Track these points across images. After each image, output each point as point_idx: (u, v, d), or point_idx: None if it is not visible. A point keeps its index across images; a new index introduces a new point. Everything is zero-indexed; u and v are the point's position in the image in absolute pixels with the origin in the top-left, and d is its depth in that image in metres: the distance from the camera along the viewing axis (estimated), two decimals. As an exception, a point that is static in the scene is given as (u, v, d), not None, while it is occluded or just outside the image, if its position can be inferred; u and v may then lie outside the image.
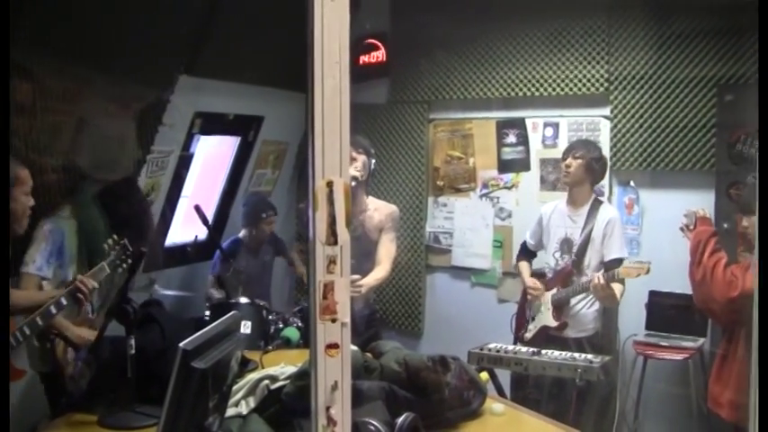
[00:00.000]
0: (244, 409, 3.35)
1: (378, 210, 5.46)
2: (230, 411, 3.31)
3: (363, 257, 5.32)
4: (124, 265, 4.44)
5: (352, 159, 5.19)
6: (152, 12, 5.20)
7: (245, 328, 5.07)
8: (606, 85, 6.41)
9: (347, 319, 2.20)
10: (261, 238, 6.71)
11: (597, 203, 5.68)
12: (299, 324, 5.52)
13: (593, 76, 6.46)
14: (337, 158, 2.16)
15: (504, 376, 5.45)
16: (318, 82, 2.15)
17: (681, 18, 6.00)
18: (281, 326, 5.25)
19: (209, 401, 2.80)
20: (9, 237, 3.87)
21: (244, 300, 5.36)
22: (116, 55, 5.17)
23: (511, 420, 3.59)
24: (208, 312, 5.17)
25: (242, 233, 6.77)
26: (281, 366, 3.58)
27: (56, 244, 4.69)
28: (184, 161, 6.45)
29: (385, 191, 7.32)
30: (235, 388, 3.42)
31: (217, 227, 7.18)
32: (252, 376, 3.46)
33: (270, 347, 4.61)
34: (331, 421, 2.21)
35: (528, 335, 5.80)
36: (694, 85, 6.01)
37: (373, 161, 5.43)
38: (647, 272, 5.21)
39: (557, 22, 6.57)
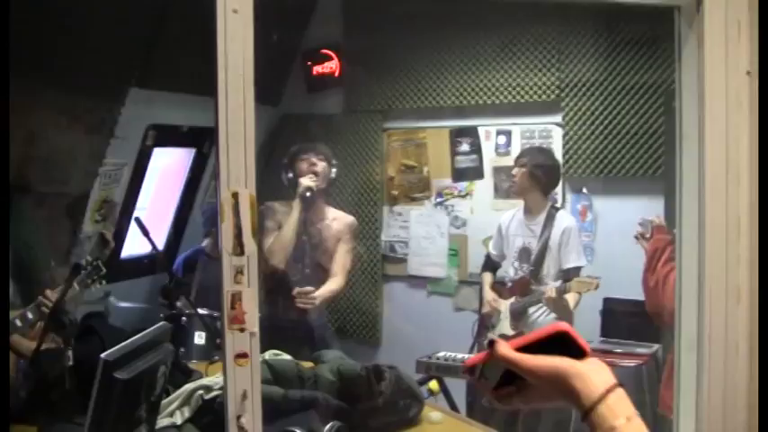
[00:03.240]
0: (178, 419, 3.35)
1: (336, 219, 5.41)
2: (165, 421, 3.32)
3: (318, 267, 5.31)
4: (97, 285, 4.46)
5: (312, 164, 5.19)
6: (102, 25, 5.22)
7: (200, 338, 5.09)
8: (558, 92, 6.45)
9: (255, 329, 2.22)
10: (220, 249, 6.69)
11: (553, 211, 5.68)
12: (256, 335, 5.52)
13: (545, 83, 6.49)
14: (242, 170, 2.18)
15: (462, 385, 5.48)
16: (222, 95, 2.18)
17: (629, 25, 6.03)
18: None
19: (135, 411, 2.81)
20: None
21: (201, 311, 5.37)
22: (66, 68, 5.17)
23: (447, 429, 3.60)
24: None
25: (204, 242, 6.74)
26: (216, 376, 3.59)
27: None
28: (138, 173, 6.45)
29: (341, 201, 7.31)
30: (170, 398, 3.43)
31: (174, 238, 7.19)
32: (187, 386, 3.47)
33: (216, 358, 4.60)
34: (242, 430, 2.22)
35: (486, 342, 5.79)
36: (644, 91, 6.03)
37: (334, 169, 5.40)
38: (597, 287, 5.25)
39: (508, 31, 6.59)
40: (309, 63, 7.47)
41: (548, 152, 5.98)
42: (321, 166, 5.23)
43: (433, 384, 5.12)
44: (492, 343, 1.31)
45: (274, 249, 5.16)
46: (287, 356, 3.83)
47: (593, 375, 1.29)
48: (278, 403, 3.21)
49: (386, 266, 7.44)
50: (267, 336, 5.11)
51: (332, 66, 7.36)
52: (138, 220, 5.43)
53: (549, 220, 5.60)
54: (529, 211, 5.69)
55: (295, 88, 7.64)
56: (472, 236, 6.88)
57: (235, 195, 2.18)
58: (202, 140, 7.05)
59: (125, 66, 5.74)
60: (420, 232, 7.23)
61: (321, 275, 5.30)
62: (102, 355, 2.58)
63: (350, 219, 5.55)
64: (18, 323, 4.15)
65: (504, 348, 1.33)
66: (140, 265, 6.69)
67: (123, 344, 2.75)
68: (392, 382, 3.49)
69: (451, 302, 7.09)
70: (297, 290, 5.02)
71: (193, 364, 4.36)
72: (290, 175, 5.25)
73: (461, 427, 3.68)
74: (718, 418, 2.72)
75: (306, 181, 5.12)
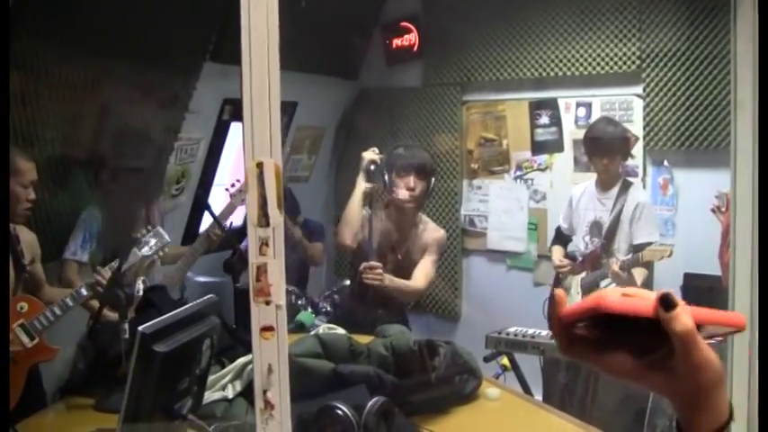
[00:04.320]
0: (230, 392, 3.36)
1: (426, 230, 5.24)
2: (216, 395, 3.33)
3: (401, 270, 5.19)
4: (160, 253, 4.53)
5: (410, 189, 5.00)
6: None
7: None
8: (638, 62, 6.27)
9: (282, 302, 2.17)
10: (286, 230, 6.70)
11: (626, 185, 5.55)
12: (328, 309, 5.51)
13: (625, 53, 6.31)
14: (267, 139, 2.14)
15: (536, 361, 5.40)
16: (246, 62, 2.14)
17: (712, -9, 5.83)
18: (309, 311, 5.24)
19: (177, 384, 2.80)
20: (9, 237, 3.95)
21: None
22: (138, 42, 5.19)
23: (504, 406, 3.54)
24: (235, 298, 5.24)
25: None
26: (269, 351, 3.57)
27: (89, 230, 4.91)
28: (215, 148, 6.46)
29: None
30: (223, 372, 3.44)
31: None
32: (239, 360, 3.46)
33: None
34: (268, 405, 2.18)
35: (559, 318, 5.69)
36: (728, 60, 5.80)
37: (433, 179, 5.23)
38: (670, 254, 5.11)
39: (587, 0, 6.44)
40: (388, 36, 7.41)
41: (620, 125, 5.80)
42: (420, 186, 5.07)
43: (506, 360, 5.06)
44: (668, 300, 1.00)
45: (340, 228, 5.11)
46: (341, 330, 3.81)
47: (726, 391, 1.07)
48: (327, 378, 3.18)
49: (465, 240, 7.36)
50: (349, 305, 5.10)
51: (411, 38, 7.30)
52: (198, 198, 5.47)
53: (622, 193, 5.47)
54: (601, 184, 5.57)
55: (374, 62, 7.60)
56: (552, 210, 6.73)
57: (259, 165, 2.14)
58: (280, 115, 7.01)
59: (198, 40, 5.75)
60: (499, 206, 7.13)
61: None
62: (140, 328, 2.58)
63: (441, 232, 5.33)
64: (84, 291, 4.23)
65: (688, 320, 1.00)
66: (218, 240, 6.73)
67: (164, 317, 2.75)
68: (447, 358, 3.44)
69: (531, 277, 6.99)
70: (363, 265, 4.94)
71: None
72: (386, 183, 5.13)
73: (518, 404, 3.62)
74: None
75: (368, 154, 5.02)
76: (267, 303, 2.17)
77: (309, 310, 5.36)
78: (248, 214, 2.15)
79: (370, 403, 2.83)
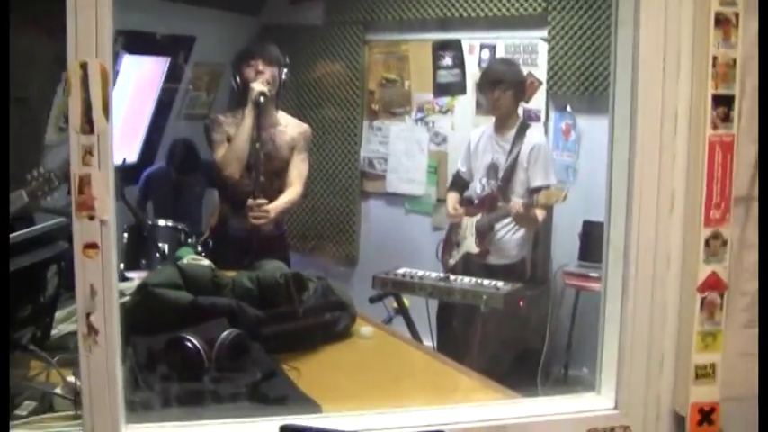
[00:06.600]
0: (86, 325, 3.18)
1: (289, 126, 5.10)
2: (71, 327, 3.15)
3: (274, 174, 5.07)
4: (47, 198, 4.32)
5: (259, 72, 4.88)
6: None
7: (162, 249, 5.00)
8: (544, 5, 6.14)
9: (107, 217, 1.99)
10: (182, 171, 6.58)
11: (524, 127, 5.45)
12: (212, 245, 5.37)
13: (531, -6, 6.19)
14: (93, 37, 1.96)
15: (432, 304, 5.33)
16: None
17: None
18: (198, 248, 5.09)
19: (16, 312, 2.62)
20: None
21: (162, 222, 5.26)
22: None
23: (377, 344, 3.40)
24: (125, 234, 5.10)
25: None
26: (131, 282, 3.41)
27: None
28: (106, 80, 6.22)
29: (320, 115, 7.10)
30: (82, 303, 3.26)
31: (148, 150, 7.02)
32: (98, 291, 3.28)
33: (160, 267, 4.41)
34: (92, 330, 2.01)
35: (452, 261, 5.61)
36: (632, 6, 5.73)
37: (285, 71, 5.09)
38: (565, 198, 5.03)
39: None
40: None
41: (515, 64, 5.72)
42: (270, 71, 4.90)
43: (394, 304, 4.98)
44: None
45: (228, 159, 4.92)
46: (205, 262, 3.64)
47: None
48: (185, 309, 3.02)
49: (364, 183, 7.24)
50: (222, 247, 4.98)
51: (314, -25, 7.11)
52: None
53: (520, 136, 5.38)
54: (499, 128, 5.47)
55: (276, -1, 7.40)
56: (452, 153, 6.62)
57: (83, 66, 1.96)
58: (178, 49, 6.81)
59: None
60: (399, 148, 7.01)
61: (277, 184, 5.05)
62: (-30, 244, 2.38)
63: (304, 126, 5.20)
64: None
65: None
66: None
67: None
68: (317, 292, 3.30)
69: (429, 221, 6.89)
70: (250, 202, 4.77)
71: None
72: (238, 80, 4.97)
73: (390, 342, 3.49)
74: (643, 329, 2.47)
75: (258, 86, 4.80)
76: (91, 218, 1.99)
77: (199, 248, 5.19)
78: (71, 120, 1.97)
79: (222, 336, 2.68)
